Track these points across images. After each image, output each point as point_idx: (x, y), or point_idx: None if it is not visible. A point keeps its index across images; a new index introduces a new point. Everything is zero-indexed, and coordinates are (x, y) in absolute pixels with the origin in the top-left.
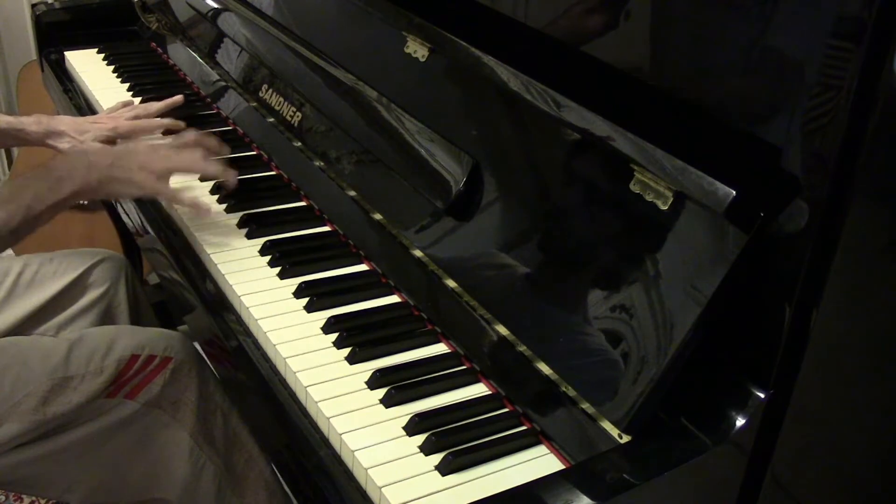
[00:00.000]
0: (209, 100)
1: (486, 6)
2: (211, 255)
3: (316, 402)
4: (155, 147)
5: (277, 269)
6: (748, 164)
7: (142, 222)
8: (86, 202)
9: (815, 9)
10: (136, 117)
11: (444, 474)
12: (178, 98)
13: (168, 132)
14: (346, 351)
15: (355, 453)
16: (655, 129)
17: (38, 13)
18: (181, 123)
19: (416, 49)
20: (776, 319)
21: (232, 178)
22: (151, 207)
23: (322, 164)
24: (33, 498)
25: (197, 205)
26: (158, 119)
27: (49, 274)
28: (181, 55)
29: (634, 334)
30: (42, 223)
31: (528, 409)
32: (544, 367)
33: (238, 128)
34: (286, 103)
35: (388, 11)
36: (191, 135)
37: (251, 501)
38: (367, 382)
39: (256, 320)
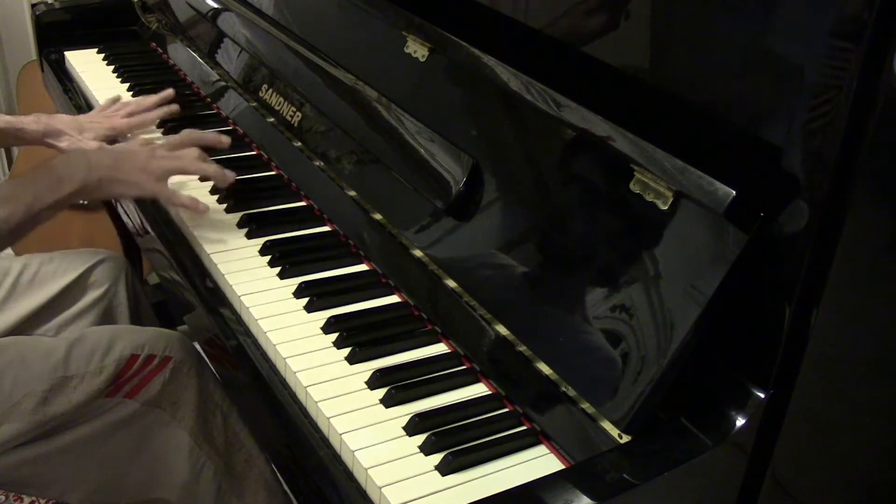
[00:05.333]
0: (209, 100)
1: (486, 6)
2: (211, 255)
3: (316, 402)
4: (153, 149)
5: (277, 269)
6: (748, 164)
7: (142, 222)
8: (86, 202)
9: (815, 8)
10: (132, 113)
11: (444, 474)
12: (170, 91)
13: (166, 129)
14: (346, 351)
15: (355, 453)
16: (655, 129)
17: (38, 13)
18: (174, 108)
19: (416, 49)
20: (776, 319)
21: (229, 178)
22: (151, 207)
23: (322, 164)
24: (33, 498)
25: (194, 205)
26: (154, 112)
27: (49, 274)
28: (181, 55)
29: (634, 334)
30: (41, 222)
31: (528, 409)
32: (544, 367)
33: (238, 128)
34: (286, 103)
35: (388, 11)
36: (187, 135)
37: (251, 501)
38: (367, 382)
39: (256, 320)
